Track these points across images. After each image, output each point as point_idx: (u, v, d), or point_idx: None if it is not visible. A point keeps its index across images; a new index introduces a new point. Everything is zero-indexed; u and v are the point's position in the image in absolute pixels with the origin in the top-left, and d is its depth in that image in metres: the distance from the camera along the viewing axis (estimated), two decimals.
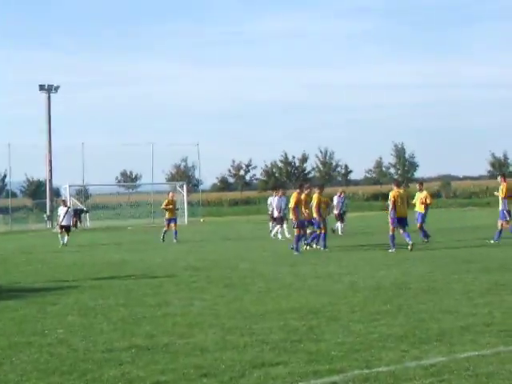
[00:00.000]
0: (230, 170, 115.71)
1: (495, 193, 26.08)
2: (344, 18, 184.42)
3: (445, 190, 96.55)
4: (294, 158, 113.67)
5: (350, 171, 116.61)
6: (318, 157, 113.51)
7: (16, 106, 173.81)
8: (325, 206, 25.99)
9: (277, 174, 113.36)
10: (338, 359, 8.41)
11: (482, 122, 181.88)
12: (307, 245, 24.96)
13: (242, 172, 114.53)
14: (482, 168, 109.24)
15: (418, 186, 28.74)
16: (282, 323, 10.74)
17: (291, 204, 24.21)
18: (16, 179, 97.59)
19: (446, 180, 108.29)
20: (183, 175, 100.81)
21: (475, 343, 9.01)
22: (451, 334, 9.60)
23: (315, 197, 25.21)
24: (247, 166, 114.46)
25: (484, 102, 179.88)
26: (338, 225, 33.42)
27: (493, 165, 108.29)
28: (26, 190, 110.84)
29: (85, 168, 59.66)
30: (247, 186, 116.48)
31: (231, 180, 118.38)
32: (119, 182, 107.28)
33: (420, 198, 27.12)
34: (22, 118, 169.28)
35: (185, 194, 57.64)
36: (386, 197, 25.42)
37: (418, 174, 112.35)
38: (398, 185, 24.95)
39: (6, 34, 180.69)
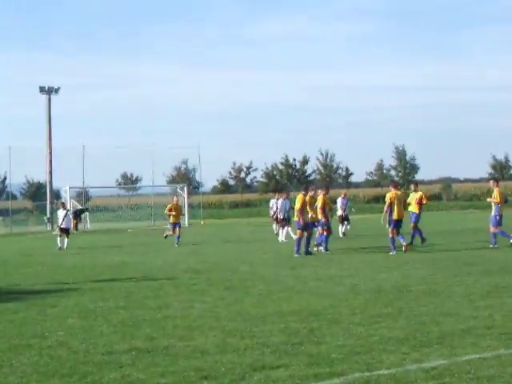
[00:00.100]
0: (230, 173, 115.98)
1: (489, 199, 25.34)
2: (344, 20, 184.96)
3: (446, 193, 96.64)
4: (294, 160, 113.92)
5: (351, 173, 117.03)
6: (318, 159, 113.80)
7: (16, 108, 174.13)
8: (329, 207, 26.01)
9: (277, 177, 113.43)
10: (338, 362, 8.39)
11: (483, 124, 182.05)
12: (317, 245, 24.93)
13: (242, 174, 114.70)
14: (483, 170, 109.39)
15: (412, 186, 28.27)
16: (282, 326, 10.72)
17: (297, 206, 24.13)
18: (16, 181, 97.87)
19: (447, 182, 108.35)
20: (184, 177, 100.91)
21: (476, 346, 8.99)
22: (452, 336, 9.58)
23: (320, 198, 25.19)
24: (248, 168, 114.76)
25: (485, 104, 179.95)
26: (343, 226, 33.44)
27: (494, 167, 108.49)
28: (26, 192, 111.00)
29: (85, 170, 59.70)
30: (248, 188, 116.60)
31: (232, 182, 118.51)
32: (120, 184, 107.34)
33: (415, 198, 26.56)
34: (22, 119, 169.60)
35: (185, 196, 57.64)
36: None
37: (418, 177, 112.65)
38: (396, 186, 25.02)
39: (6, 36, 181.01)
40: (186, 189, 59.75)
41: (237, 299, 13.75)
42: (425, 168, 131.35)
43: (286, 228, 30.86)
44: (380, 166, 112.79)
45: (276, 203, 33.94)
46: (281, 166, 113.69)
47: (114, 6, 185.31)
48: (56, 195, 63.84)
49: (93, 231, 51.43)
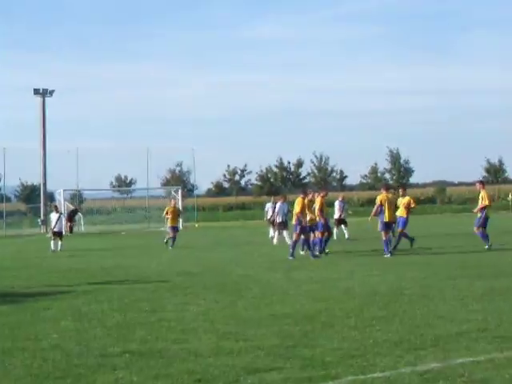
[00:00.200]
0: (225, 175, 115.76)
1: (481, 203, 24.79)
2: (340, 23, 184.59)
3: (440, 196, 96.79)
4: (289, 163, 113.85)
5: (346, 176, 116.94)
6: (313, 162, 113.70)
7: (10, 110, 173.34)
8: (326, 211, 26.00)
9: (272, 179, 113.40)
10: (332, 365, 8.38)
11: (478, 127, 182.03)
12: (322, 251, 24.83)
13: (237, 177, 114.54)
14: (477, 174, 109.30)
15: (400, 190, 27.52)
16: (276, 329, 10.71)
17: (297, 209, 24.09)
18: (10, 183, 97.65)
19: (441, 186, 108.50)
20: (178, 180, 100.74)
21: (470, 349, 9.00)
22: (446, 340, 9.59)
23: (318, 200, 25.19)
24: (242, 171, 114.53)
25: (480, 107, 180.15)
26: (344, 229, 33.43)
27: (488, 170, 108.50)
28: (20, 195, 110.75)
29: (79, 173, 59.71)
30: (242, 191, 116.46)
31: (226, 185, 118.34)
32: (114, 186, 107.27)
33: (403, 203, 25.90)
34: (16, 121, 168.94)
35: (180, 198, 57.64)
36: None
37: (413, 180, 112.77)
38: (387, 189, 25.12)
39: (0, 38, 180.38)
40: (180, 191, 59.77)
41: (231, 302, 13.74)
42: (419, 171, 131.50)
43: (282, 231, 30.80)
44: (374, 169, 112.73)
45: (272, 207, 33.97)
46: (275, 169, 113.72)
47: (109, 9, 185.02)
48: (50, 198, 63.77)
49: (87, 234, 51.40)
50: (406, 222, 25.54)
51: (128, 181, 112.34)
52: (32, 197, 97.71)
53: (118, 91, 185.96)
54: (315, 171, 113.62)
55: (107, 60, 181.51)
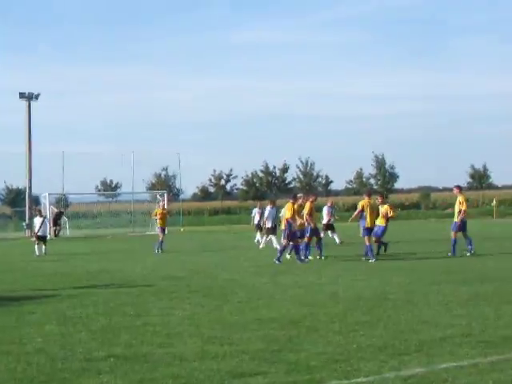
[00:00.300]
0: (210, 180, 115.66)
1: (461, 207, 24.90)
2: (327, 29, 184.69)
3: (424, 201, 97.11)
4: (274, 167, 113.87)
5: (331, 181, 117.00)
6: (298, 167, 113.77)
7: None
8: (315, 215, 26.04)
9: (257, 184, 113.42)
10: (317, 370, 8.41)
11: (462, 133, 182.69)
12: (320, 255, 24.85)
13: (222, 181, 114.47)
14: (462, 180, 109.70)
15: (379, 198, 26.97)
16: (261, 333, 10.73)
17: (287, 214, 24.11)
18: None
19: (426, 191, 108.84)
20: (164, 184, 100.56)
21: (454, 354, 9.04)
22: (430, 345, 9.63)
23: (308, 205, 25.20)
24: (228, 175, 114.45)
25: (463, 114, 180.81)
26: (333, 235, 33.43)
27: (472, 176, 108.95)
28: (5, 198, 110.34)
29: (65, 176, 59.52)
30: (228, 195, 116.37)
31: (212, 189, 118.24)
32: (99, 190, 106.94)
33: (381, 211, 25.66)
34: (1, 125, 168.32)
35: (165, 203, 57.53)
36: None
37: (398, 185, 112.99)
38: (369, 195, 25.31)
39: None
40: (165, 196, 59.69)
41: (216, 306, 13.75)
42: (404, 177, 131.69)
43: (270, 236, 30.80)
44: (360, 175, 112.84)
45: (259, 212, 34.08)
46: (261, 174, 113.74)
47: (96, 10, 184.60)
48: (35, 201, 63.54)
49: (72, 238, 51.23)
50: (384, 231, 25.62)
51: (113, 185, 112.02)
52: (17, 200, 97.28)
53: (103, 95, 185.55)
54: (301, 176, 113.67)
55: (93, 64, 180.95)
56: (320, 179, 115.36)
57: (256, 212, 35.10)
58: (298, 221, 24.07)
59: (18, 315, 13.23)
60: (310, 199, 25.76)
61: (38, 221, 32.49)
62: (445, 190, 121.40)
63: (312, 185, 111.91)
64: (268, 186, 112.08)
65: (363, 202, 24.44)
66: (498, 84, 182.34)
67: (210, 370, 8.47)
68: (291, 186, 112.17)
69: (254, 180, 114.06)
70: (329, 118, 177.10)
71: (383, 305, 13.35)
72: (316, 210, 26.92)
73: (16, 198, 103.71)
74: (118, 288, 17.50)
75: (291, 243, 24.15)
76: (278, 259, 23.43)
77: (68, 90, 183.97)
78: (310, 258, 24.56)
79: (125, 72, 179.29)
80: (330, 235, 33.56)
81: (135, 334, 10.93)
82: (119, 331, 11.27)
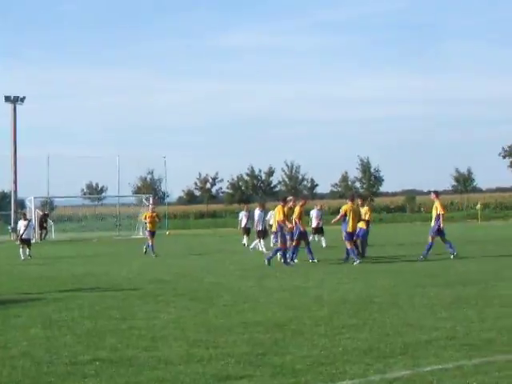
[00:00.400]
0: (196, 183, 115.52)
1: (439, 212, 25.16)
2: (313, 32, 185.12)
3: (409, 205, 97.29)
4: (260, 171, 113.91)
5: (316, 185, 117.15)
6: (284, 170, 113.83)
7: None
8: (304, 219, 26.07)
9: (243, 188, 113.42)
10: (302, 373, 8.43)
11: (447, 137, 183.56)
12: (311, 259, 24.80)
13: (208, 185, 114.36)
14: (447, 183, 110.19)
15: (359, 201, 27.34)
16: (247, 336, 10.75)
17: (279, 217, 24.14)
18: None
19: (411, 194, 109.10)
20: (149, 188, 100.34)
21: (438, 357, 9.09)
22: (415, 347, 9.68)
23: (297, 209, 25.17)
24: (213, 179, 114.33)
25: (448, 117, 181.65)
26: (320, 238, 33.42)
27: (457, 180, 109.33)
28: None
29: (50, 180, 59.30)
30: (213, 198, 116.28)
31: (197, 193, 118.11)
32: (85, 194, 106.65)
33: (362, 214, 25.95)
34: None
35: (151, 206, 57.38)
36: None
37: (383, 189, 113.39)
38: (353, 199, 25.45)
39: None
40: (151, 199, 59.55)
41: (202, 310, 13.76)
42: (389, 180, 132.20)
43: (260, 239, 30.89)
44: (345, 178, 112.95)
45: (246, 215, 34.15)
46: (246, 177, 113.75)
47: (81, 14, 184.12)
48: (21, 205, 63.27)
49: (58, 241, 51.04)
50: (366, 234, 25.91)
51: (99, 188, 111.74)
52: (2, 204, 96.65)
53: (89, 98, 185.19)
54: (286, 179, 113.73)
55: (79, 67, 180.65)
56: (305, 182, 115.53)
57: (243, 215, 35.13)
58: (288, 225, 24.12)
59: (4, 319, 13.19)
60: (300, 203, 25.76)
61: (22, 224, 32.39)
62: (430, 193, 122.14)
63: (297, 188, 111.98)
64: (254, 190, 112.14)
65: (346, 206, 24.62)
66: (482, 88, 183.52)
67: (195, 374, 8.49)
68: (277, 189, 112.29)
69: (240, 183, 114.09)
70: (314, 122, 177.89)
71: (368, 308, 13.39)
72: (306, 214, 27.02)
73: (1, 201, 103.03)
74: (103, 291, 17.47)
75: (292, 244, 24.23)
76: (269, 260, 23.44)
77: (54, 93, 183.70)
78: (296, 261, 24.57)
79: (110, 76, 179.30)
80: (316, 239, 33.59)
81: (121, 338, 10.92)
82: (104, 335, 11.26)
